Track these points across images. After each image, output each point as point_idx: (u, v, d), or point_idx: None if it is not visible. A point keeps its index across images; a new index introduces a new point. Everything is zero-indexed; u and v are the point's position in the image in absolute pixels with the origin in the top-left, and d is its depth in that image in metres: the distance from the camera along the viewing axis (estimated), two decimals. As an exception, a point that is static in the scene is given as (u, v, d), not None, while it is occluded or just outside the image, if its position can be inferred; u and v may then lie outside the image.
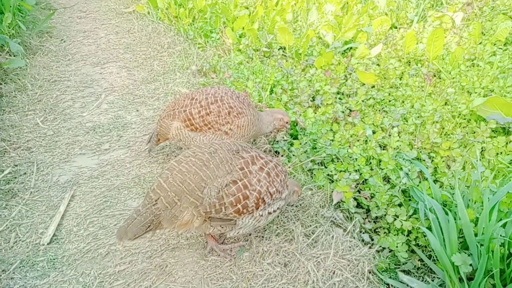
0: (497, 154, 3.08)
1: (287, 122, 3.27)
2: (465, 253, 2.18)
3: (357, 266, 2.36)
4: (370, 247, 2.51)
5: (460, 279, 2.21)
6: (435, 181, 2.95)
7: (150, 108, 4.10)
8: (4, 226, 2.73)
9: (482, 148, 3.14)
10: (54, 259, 2.48)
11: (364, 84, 4.13)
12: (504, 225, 2.19)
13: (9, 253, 2.53)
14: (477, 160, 2.73)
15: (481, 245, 2.20)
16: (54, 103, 4.18)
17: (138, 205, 2.22)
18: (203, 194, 2.10)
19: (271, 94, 4.12)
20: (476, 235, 2.25)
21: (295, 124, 3.63)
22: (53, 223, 2.73)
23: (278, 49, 4.94)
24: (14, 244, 2.59)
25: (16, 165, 3.29)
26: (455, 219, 2.33)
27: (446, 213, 2.34)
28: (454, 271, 2.18)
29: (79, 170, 3.26)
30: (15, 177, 3.16)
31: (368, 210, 2.90)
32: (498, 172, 2.90)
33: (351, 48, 4.97)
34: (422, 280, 2.40)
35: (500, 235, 2.11)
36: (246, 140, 3.16)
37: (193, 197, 2.10)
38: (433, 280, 2.37)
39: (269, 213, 2.30)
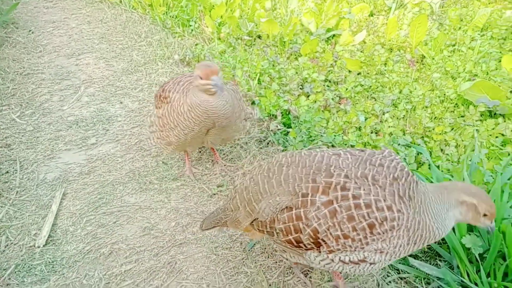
0: (488, 136, 3.16)
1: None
2: (475, 235, 2.22)
3: (369, 252, 2.35)
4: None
5: (470, 261, 2.25)
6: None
7: (134, 100, 3.92)
8: (-8, 230, 2.54)
9: (472, 131, 3.21)
10: (52, 262, 2.33)
11: (350, 71, 4.14)
12: (512, 205, 2.24)
13: (1, 258, 2.36)
14: (475, 143, 2.78)
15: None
16: (30, 97, 3.94)
17: None
18: (258, 207, 1.90)
19: (259, 83, 4.05)
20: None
21: (287, 113, 3.59)
22: (47, 223, 2.56)
23: (262, 37, 4.85)
24: (6, 248, 2.42)
25: (-3, 164, 3.08)
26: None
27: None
28: (464, 253, 2.21)
29: (66, 167, 3.08)
30: (-3, 177, 2.96)
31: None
32: (491, 154, 2.97)
33: (334, 35, 4.96)
34: (430, 264, 2.42)
35: (509, 215, 2.16)
36: (179, 142, 2.53)
37: (249, 207, 1.95)
38: (440, 262, 2.40)
39: (345, 262, 1.81)
